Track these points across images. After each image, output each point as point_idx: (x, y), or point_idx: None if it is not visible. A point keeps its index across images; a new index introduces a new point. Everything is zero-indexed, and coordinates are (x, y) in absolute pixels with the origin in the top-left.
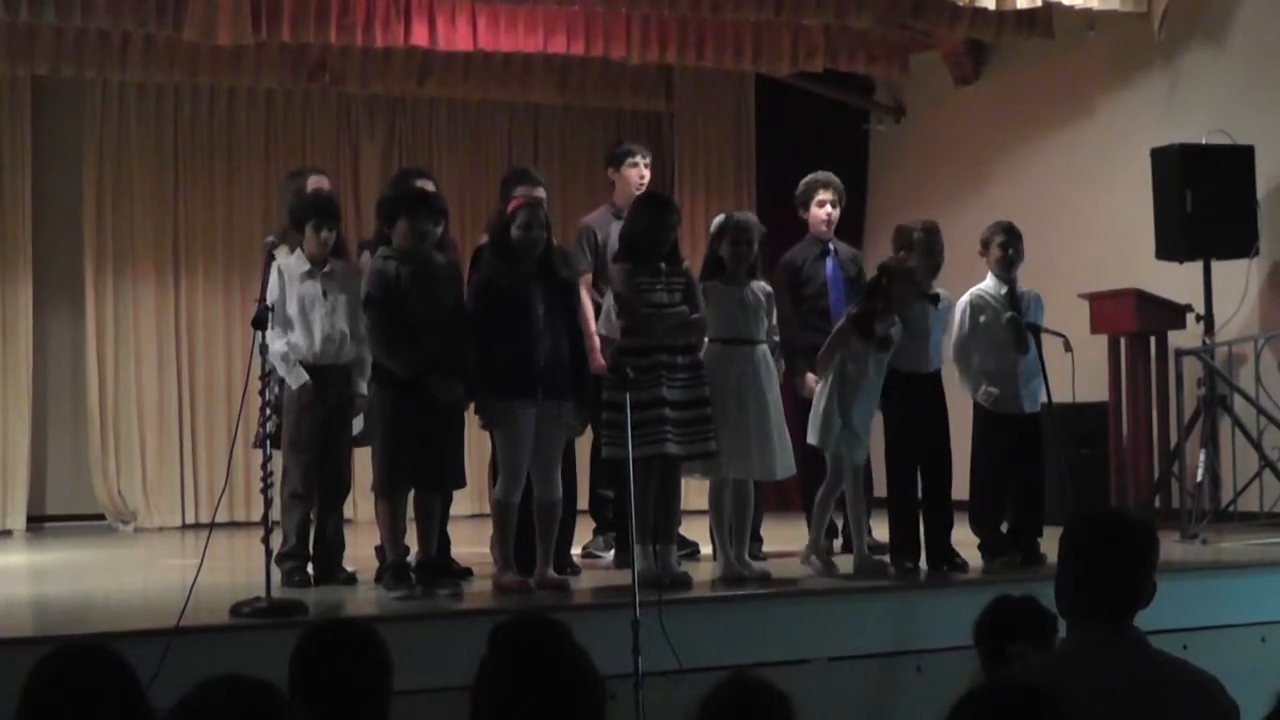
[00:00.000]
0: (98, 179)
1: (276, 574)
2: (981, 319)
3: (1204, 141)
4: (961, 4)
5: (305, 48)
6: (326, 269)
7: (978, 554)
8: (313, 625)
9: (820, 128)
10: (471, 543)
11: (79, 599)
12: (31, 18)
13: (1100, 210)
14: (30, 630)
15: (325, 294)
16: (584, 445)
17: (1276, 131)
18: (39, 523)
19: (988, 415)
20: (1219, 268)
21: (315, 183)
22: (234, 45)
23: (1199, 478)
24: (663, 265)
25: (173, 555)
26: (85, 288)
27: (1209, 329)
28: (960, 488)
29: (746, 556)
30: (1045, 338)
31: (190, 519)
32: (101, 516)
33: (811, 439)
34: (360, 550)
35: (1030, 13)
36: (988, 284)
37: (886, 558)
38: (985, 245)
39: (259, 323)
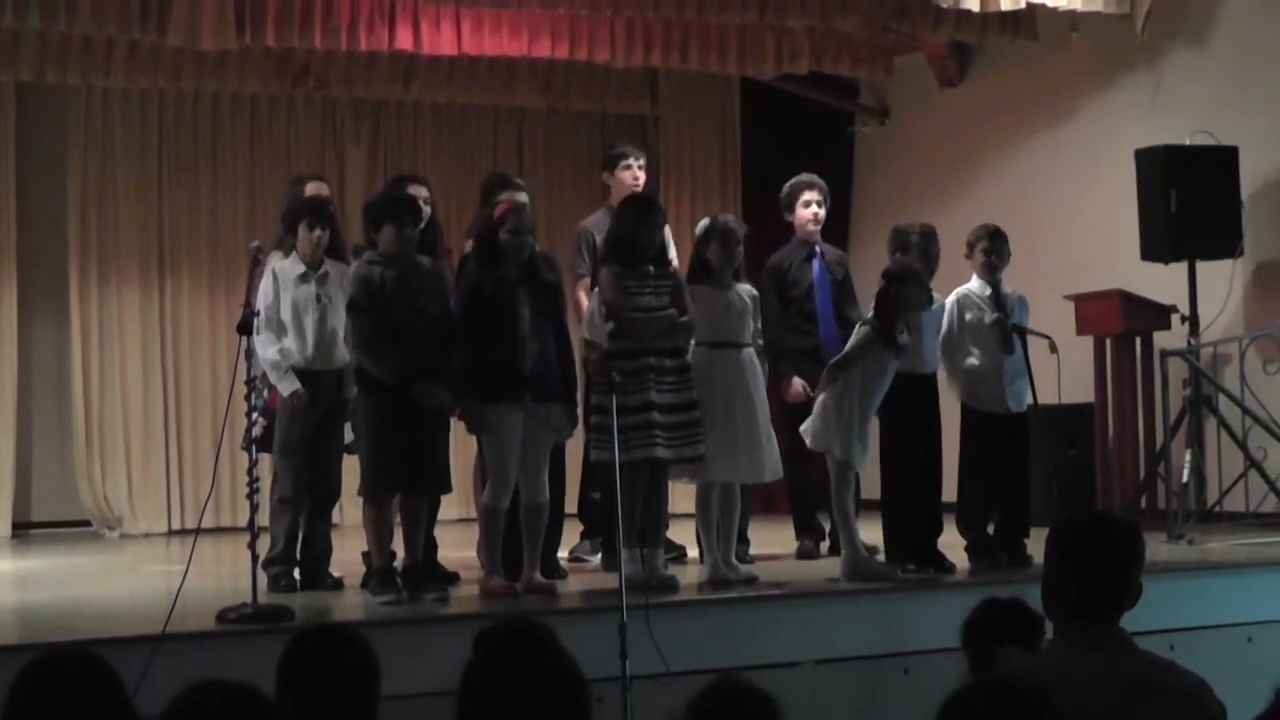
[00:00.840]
0: (82, 184)
1: (263, 579)
2: (967, 317)
3: (1188, 142)
4: (945, 6)
5: (290, 52)
6: (320, 271)
7: (965, 556)
8: (300, 630)
9: (805, 130)
10: (458, 547)
11: (64, 605)
12: (15, 23)
13: (1085, 211)
14: (15, 637)
15: (319, 297)
16: (573, 448)
17: (1260, 132)
18: (24, 529)
19: (974, 415)
20: (1204, 268)
21: (313, 189)
22: (218, 50)
23: (1185, 478)
24: (650, 268)
25: (158, 561)
26: (70, 293)
27: (1194, 329)
28: (948, 490)
29: (734, 559)
30: (1031, 339)
31: (176, 524)
32: (87, 523)
33: (820, 445)
34: (347, 555)
35: (1014, 14)
36: (973, 284)
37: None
38: (970, 248)
39: (244, 328)
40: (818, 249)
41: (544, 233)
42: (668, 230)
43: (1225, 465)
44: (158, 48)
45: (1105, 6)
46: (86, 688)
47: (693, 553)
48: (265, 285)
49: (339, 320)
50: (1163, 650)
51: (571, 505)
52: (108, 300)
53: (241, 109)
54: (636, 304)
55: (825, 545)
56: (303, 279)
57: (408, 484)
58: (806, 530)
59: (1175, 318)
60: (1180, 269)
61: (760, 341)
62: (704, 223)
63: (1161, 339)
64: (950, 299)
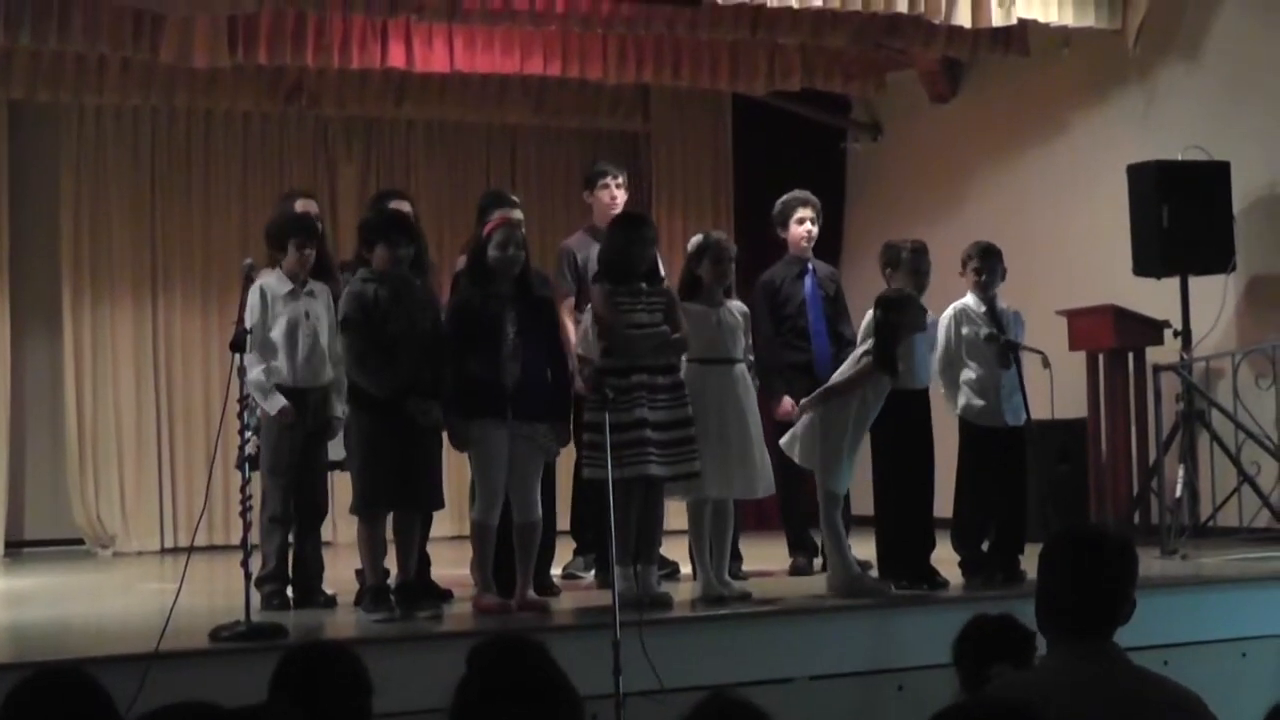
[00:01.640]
0: (75, 202)
1: (256, 597)
2: (964, 332)
3: (1180, 158)
4: (937, 22)
5: (282, 70)
6: (308, 289)
7: (958, 572)
8: (293, 649)
9: (797, 146)
10: (452, 564)
11: (57, 624)
12: (7, 41)
13: (1077, 227)
14: (7, 656)
15: (307, 314)
16: (563, 465)
17: (1252, 147)
18: (17, 548)
19: (972, 429)
20: (1196, 283)
21: (303, 206)
22: (210, 68)
23: (1178, 493)
24: (643, 285)
25: (151, 579)
26: (63, 310)
27: (1187, 344)
28: (942, 505)
29: (727, 576)
30: (1024, 354)
31: (169, 543)
32: (80, 541)
33: (807, 463)
34: (340, 573)
35: (1006, 30)
36: (969, 299)
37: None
38: (964, 265)
39: (237, 345)
40: (810, 265)
41: (536, 250)
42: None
43: (1218, 480)
44: (150, 65)
45: (1097, 22)
46: (79, 707)
47: (686, 569)
48: (253, 302)
49: (326, 338)
50: (1157, 665)
51: (564, 522)
52: (100, 318)
53: (234, 126)
54: (629, 321)
55: (818, 561)
56: (290, 296)
57: (400, 501)
58: (799, 546)
59: (1168, 333)
60: (1173, 284)
61: (751, 358)
62: (696, 239)
63: (1154, 354)
64: (946, 314)
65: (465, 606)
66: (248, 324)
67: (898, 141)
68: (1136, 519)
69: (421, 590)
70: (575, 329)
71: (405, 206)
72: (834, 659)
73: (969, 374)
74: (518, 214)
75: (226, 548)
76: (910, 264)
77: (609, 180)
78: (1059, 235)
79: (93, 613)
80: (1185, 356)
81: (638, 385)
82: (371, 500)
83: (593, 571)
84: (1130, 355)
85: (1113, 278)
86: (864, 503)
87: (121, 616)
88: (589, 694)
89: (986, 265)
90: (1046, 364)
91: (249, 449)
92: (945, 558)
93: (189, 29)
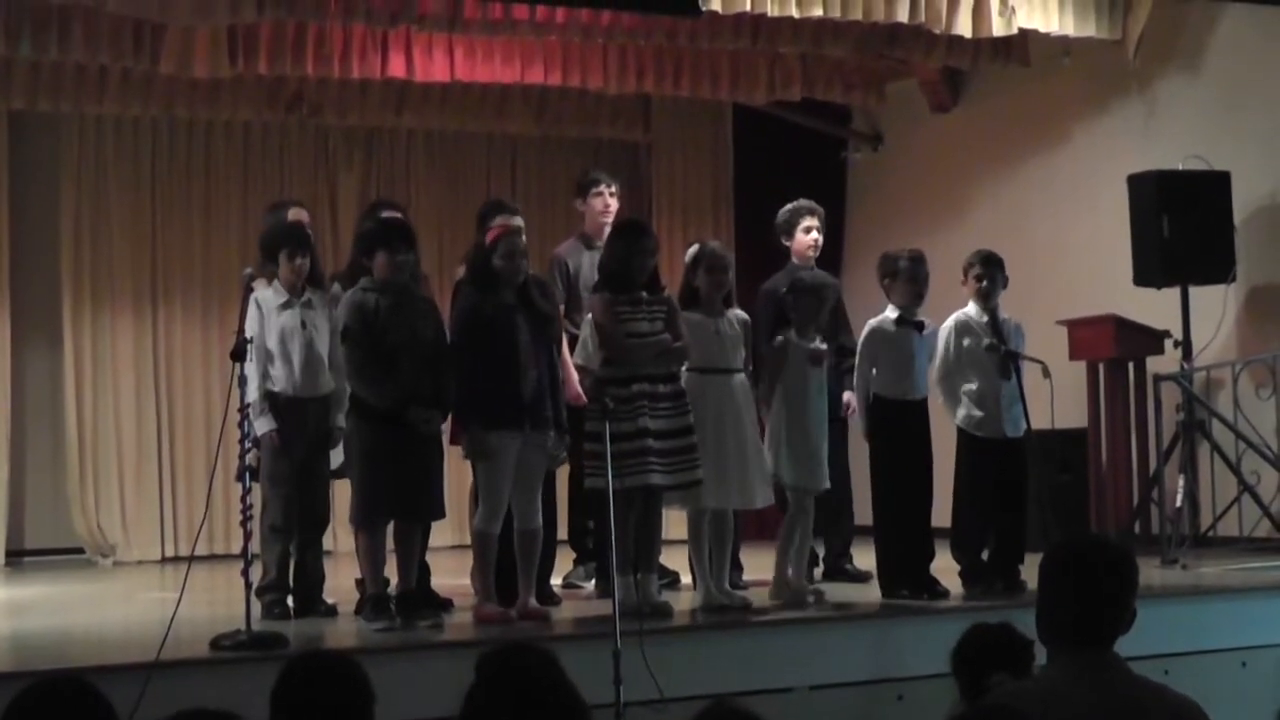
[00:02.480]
0: (75, 212)
1: (256, 607)
2: (966, 342)
3: (1181, 167)
4: (937, 32)
5: (282, 80)
6: (304, 299)
7: (958, 581)
8: (294, 658)
9: (798, 156)
10: (452, 574)
11: (58, 633)
12: (8, 51)
13: (1078, 237)
14: (8, 665)
15: (304, 324)
16: (562, 474)
17: (1253, 157)
18: (18, 557)
19: (971, 441)
20: (1197, 293)
21: (295, 215)
22: (211, 78)
23: (1178, 503)
24: (643, 294)
25: (152, 588)
26: (63, 320)
27: (1187, 354)
28: (941, 515)
29: (727, 585)
30: (1024, 364)
31: (170, 552)
32: (81, 550)
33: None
34: (340, 582)
35: (1006, 41)
36: (970, 309)
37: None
38: (965, 274)
39: (237, 355)
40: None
41: (536, 259)
42: None
43: (1219, 490)
44: (150, 76)
45: (1097, 32)
46: (80, 716)
47: (686, 579)
48: (250, 314)
49: (324, 347)
50: (1157, 675)
51: (564, 531)
52: (101, 327)
53: (234, 136)
54: (629, 329)
55: (819, 571)
56: (286, 306)
57: (401, 511)
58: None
59: (1168, 343)
60: (1173, 294)
61: (750, 368)
62: (692, 249)
63: (1155, 364)
64: (947, 325)
65: (465, 616)
66: (247, 334)
67: (898, 151)
68: (1137, 529)
69: (422, 600)
70: (565, 337)
71: (396, 216)
72: (834, 668)
73: (969, 385)
74: (518, 221)
75: (227, 557)
76: (908, 273)
77: (603, 188)
78: (1059, 245)
79: (93, 622)
80: (1186, 366)
81: (639, 394)
82: (372, 510)
83: (593, 581)
84: (1131, 365)
85: (1113, 287)
86: (864, 512)
87: (122, 626)
88: (589, 703)
89: (988, 274)
90: (1047, 374)
91: (249, 459)
92: (945, 567)
93: (189, 39)
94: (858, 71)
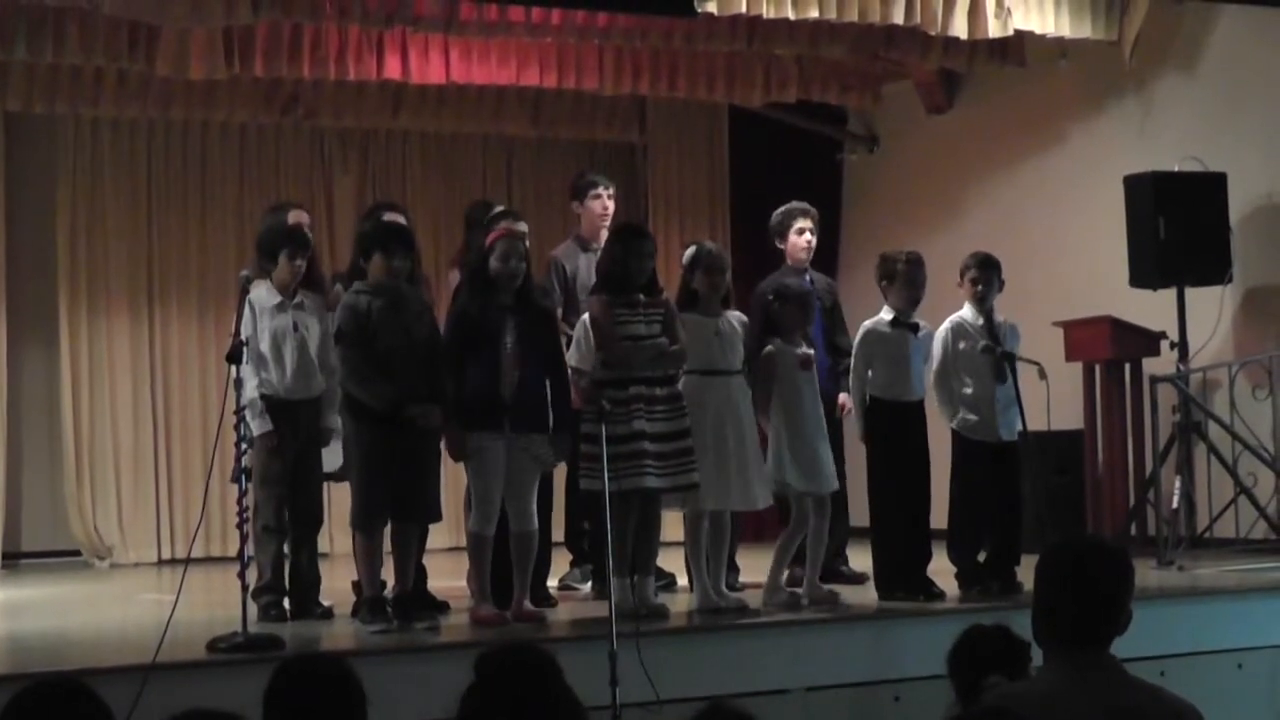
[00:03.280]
0: (71, 214)
1: (253, 609)
2: (961, 345)
3: (1177, 169)
4: (933, 34)
5: (278, 82)
6: (296, 300)
7: (955, 583)
8: (286, 660)
9: (793, 158)
10: (448, 576)
11: (54, 635)
12: (3, 53)
13: (1074, 238)
14: (5, 667)
15: (296, 326)
16: (559, 476)
17: (1249, 158)
18: (14, 559)
19: (966, 443)
20: (1193, 294)
21: (295, 217)
22: (207, 80)
23: (1174, 504)
24: (641, 296)
25: (149, 590)
26: (60, 322)
27: (1183, 356)
28: (938, 517)
29: (723, 587)
30: (1020, 366)
31: (166, 554)
32: (77, 552)
33: (779, 478)
34: (337, 584)
35: (1002, 42)
36: (966, 312)
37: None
38: (961, 276)
39: (233, 357)
40: (808, 276)
41: (532, 261)
42: None
43: (1215, 491)
44: (146, 77)
45: (1093, 33)
46: (76, 718)
47: (682, 581)
48: (245, 315)
49: (316, 349)
50: (1153, 676)
51: (560, 533)
52: (97, 329)
53: (230, 138)
54: (626, 332)
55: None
56: (279, 308)
57: (398, 513)
58: (797, 558)
59: (1164, 344)
60: (1169, 295)
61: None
62: (690, 250)
63: (1151, 365)
64: (943, 328)
65: (462, 618)
66: (243, 336)
67: (894, 153)
68: (1133, 530)
69: (419, 602)
70: (563, 340)
71: (399, 219)
72: (830, 670)
73: (964, 389)
74: (522, 226)
75: (224, 559)
76: (906, 276)
77: (601, 191)
78: (1055, 246)
79: (90, 624)
80: (1182, 368)
81: (635, 397)
82: (371, 513)
83: (589, 583)
84: (1127, 366)
85: (1109, 289)
86: (860, 514)
87: (119, 628)
88: (585, 705)
89: (984, 276)
90: (1043, 375)
91: (245, 460)
92: (941, 569)
93: (185, 41)
94: (853, 73)
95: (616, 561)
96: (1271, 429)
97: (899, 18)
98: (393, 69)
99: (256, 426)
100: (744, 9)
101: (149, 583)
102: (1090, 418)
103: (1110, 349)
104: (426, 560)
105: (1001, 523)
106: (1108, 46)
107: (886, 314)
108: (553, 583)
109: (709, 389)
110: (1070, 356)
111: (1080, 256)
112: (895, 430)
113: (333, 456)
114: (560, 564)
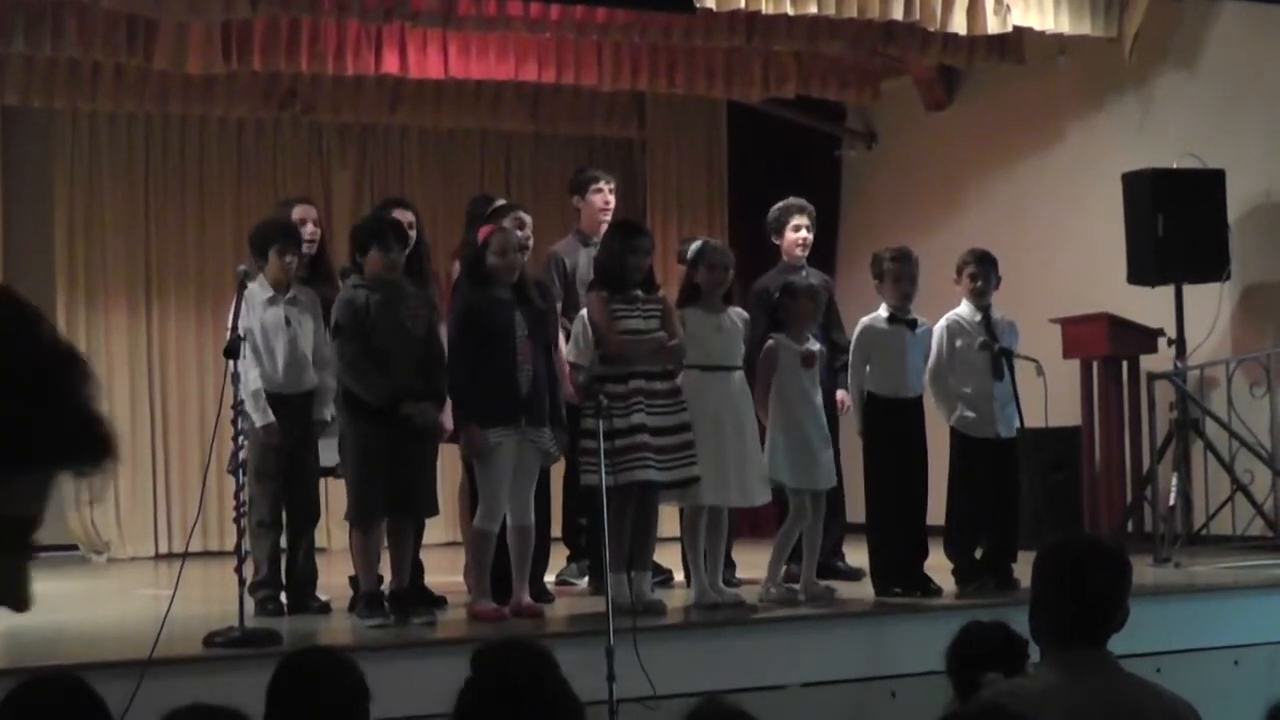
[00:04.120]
0: (69, 208)
1: (250, 604)
2: (958, 343)
3: (1175, 166)
4: (932, 30)
5: (276, 77)
6: (289, 295)
7: (952, 579)
8: (290, 654)
9: (792, 154)
10: (445, 571)
11: (51, 630)
12: (1, 47)
13: (1072, 234)
14: (2, 662)
15: (288, 321)
16: (555, 471)
17: (1247, 155)
18: None
19: (964, 440)
20: (1190, 292)
21: (300, 213)
22: (205, 74)
23: (1171, 501)
24: (639, 292)
25: (146, 585)
26: (57, 317)
27: (1181, 353)
28: (935, 513)
29: (720, 583)
30: (1018, 362)
31: (164, 549)
32: (74, 547)
33: (774, 476)
34: (334, 579)
35: (1001, 38)
36: (963, 309)
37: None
38: (958, 272)
39: (231, 352)
40: (805, 273)
41: (531, 256)
42: None
43: (1212, 488)
44: (144, 72)
45: (1093, 30)
46: (72, 713)
47: (679, 576)
48: (242, 311)
49: (308, 344)
50: (1149, 673)
51: (557, 528)
52: (95, 324)
53: (228, 133)
54: (624, 327)
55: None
56: (271, 302)
57: (395, 508)
58: (794, 554)
59: (1162, 341)
60: (1167, 292)
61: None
62: (695, 246)
63: (1148, 362)
64: (940, 325)
65: (459, 613)
66: (241, 331)
67: (893, 149)
68: (1130, 527)
69: (416, 597)
70: (563, 335)
71: (408, 215)
72: (827, 666)
73: (961, 388)
74: (525, 217)
75: (221, 553)
76: (893, 273)
77: (602, 185)
78: (1054, 243)
79: (87, 619)
80: (1179, 365)
81: (635, 391)
82: (367, 508)
83: (587, 578)
84: (1124, 363)
85: (1107, 286)
86: (856, 510)
87: (116, 623)
88: (582, 700)
89: (982, 272)
90: (1040, 372)
91: (242, 455)
92: (938, 565)
93: (183, 35)
94: (852, 69)
95: (614, 557)
96: (1269, 426)
97: (898, 14)
98: (391, 64)
99: (259, 418)
100: (743, 4)
101: (146, 578)
102: (1088, 414)
103: (1108, 346)
104: (423, 555)
105: (999, 519)
106: (1107, 43)
107: (883, 311)
108: (550, 578)
109: (709, 384)
110: (1068, 353)
111: (1078, 253)
112: (893, 426)
113: (330, 451)
114: (558, 559)
